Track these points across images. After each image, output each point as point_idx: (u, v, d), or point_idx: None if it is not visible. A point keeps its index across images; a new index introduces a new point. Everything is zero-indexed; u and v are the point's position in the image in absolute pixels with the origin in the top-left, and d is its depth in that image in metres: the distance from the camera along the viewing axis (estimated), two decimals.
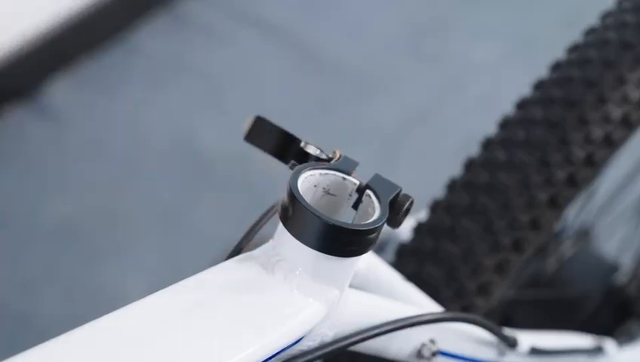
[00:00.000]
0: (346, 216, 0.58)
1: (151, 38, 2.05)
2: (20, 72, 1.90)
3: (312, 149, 0.60)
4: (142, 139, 1.87)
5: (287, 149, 0.60)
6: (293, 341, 0.55)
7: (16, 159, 1.82)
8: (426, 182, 1.22)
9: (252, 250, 0.58)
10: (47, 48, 1.92)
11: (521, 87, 0.93)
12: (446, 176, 0.88)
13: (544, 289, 1.17)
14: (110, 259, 1.69)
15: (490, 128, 0.90)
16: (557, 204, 0.83)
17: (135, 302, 0.52)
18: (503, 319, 1.06)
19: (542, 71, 0.92)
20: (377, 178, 0.58)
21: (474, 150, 0.89)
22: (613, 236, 1.27)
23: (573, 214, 1.13)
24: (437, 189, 0.89)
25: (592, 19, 0.94)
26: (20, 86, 1.92)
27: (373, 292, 0.68)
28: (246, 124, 0.61)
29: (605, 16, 0.92)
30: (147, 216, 1.75)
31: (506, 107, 0.91)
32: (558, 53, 0.92)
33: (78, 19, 1.96)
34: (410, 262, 0.84)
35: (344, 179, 0.58)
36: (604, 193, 1.17)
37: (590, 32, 0.91)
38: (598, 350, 0.97)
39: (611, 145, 0.84)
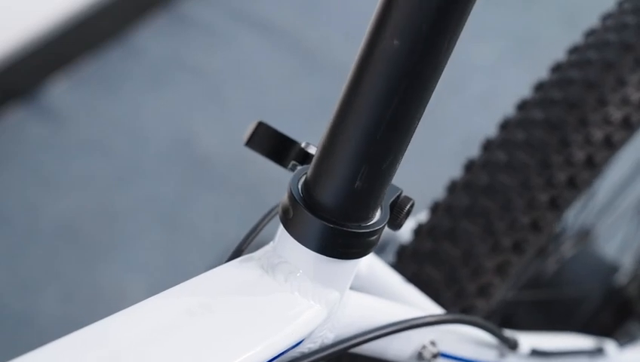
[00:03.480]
0: None
1: (151, 38, 2.05)
2: (20, 72, 1.90)
3: (313, 150, 0.60)
4: (142, 139, 1.87)
5: (288, 154, 0.60)
6: (294, 343, 0.55)
7: (16, 159, 1.82)
8: (426, 183, 1.22)
9: (253, 251, 0.58)
10: (47, 48, 1.92)
11: (522, 87, 0.93)
12: (447, 177, 0.88)
13: (545, 290, 1.17)
14: (110, 259, 1.69)
15: (491, 128, 0.90)
16: (557, 206, 0.83)
17: (136, 304, 0.52)
18: (503, 320, 1.06)
19: (542, 71, 0.91)
20: None
21: (474, 150, 0.89)
22: (613, 237, 1.27)
23: (574, 215, 1.13)
24: (438, 190, 0.89)
25: (593, 18, 0.93)
26: (20, 86, 1.92)
27: (374, 294, 0.68)
28: (248, 130, 0.61)
29: (605, 17, 0.92)
30: (147, 216, 1.75)
31: (507, 107, 0.91)
32: (559, 53, 0.92)
33: (78, 19, 1.96)
34: (411, 264, 0.83)
35: None
36: (605, 194, 1.17)
37: (590, 33, 0.91)
38: (598, 351, 0.97)
39: (611, 146, 0.84)
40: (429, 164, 1.82)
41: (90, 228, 1.73)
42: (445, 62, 0.50)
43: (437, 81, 0.51)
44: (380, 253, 0.84)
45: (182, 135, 1.88)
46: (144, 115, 1.91)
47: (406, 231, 0.91)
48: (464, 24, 0.49)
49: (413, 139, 0.53)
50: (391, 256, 0.87)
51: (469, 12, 0.49)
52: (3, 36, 1.85)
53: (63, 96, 1.93)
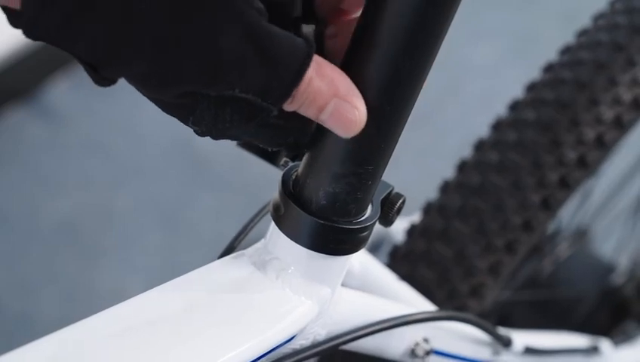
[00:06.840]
0: None
1: None
2: (20, 72, 1.90)
3: None
4: (141, 139, 1.87)
5: (280, 153, 0.60)
6: (286, 339, 0.55)
7: (16, 159, 1.83)
8: (426, 183, 1.22)
9: (245, 248, 0.58)
10: (47, 48, 1.92)
11: (521, 87, 0.93)
12: (447, 177, 0.88)
13: (541, 290, 1.17)
14: (109, 259, 1.69)
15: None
16: (549, 206, 0.83)
17: (127, 301, 0.52)
18: (500, 320, 1.06)
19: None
20: None
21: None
22: (609, 237, 1.27)
23: (570, 215, 1.13)
24: (437, 190, 0.89)
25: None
26: (20, 86, 1.92)
27: (367, 291, 0.68)
28: None
29: (597, 17, 0.92)
30: (146, 217, 1.75)
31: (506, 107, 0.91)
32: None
33: None
34: (403, 265, 0.83)
35: None
36: (601, 194, 1.17)
37: (582, 33, 0.91)
38: (593, 350, 0.97)
39: (603, 146, 0.84)
40: (430, 165, 1.82)
41: (90, 228, 1.73)
42: (438, 49, 0.50)
43: (427, 73, 0.51)
44: (373, 253, 0.84)
45: (182, 135, 1.88)
46: (144, 115, 1.91)
47: (399, 232, 0.91)
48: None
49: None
50: (384, 256, 0.87)
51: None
52: (3, 36, 1.86)
53: (63, 97, 1.93)
